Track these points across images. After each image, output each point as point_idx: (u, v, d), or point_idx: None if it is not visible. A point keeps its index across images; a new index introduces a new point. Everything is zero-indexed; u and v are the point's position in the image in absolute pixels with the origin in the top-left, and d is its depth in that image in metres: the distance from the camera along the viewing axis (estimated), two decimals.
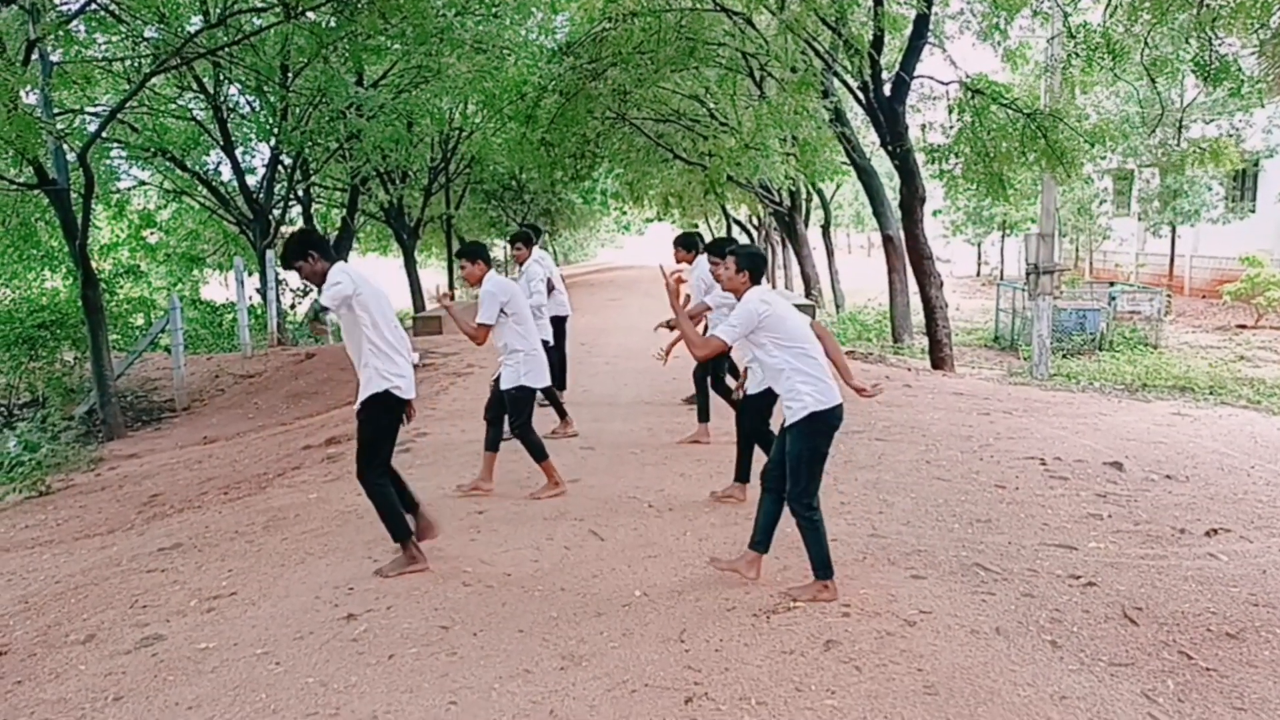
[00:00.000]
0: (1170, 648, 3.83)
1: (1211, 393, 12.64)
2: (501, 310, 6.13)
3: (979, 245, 42.24)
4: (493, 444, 6.30)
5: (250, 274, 19.46)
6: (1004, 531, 5.26)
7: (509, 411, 6.20)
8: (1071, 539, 5.12)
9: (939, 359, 14.20)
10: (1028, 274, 15.58)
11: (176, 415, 13.05)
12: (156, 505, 7.46)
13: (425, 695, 3.52)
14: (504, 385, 6.22)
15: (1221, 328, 22.40)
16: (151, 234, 25.30)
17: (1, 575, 5.63)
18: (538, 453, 6.17)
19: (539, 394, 7.21)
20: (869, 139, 20.50)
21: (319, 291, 4.67)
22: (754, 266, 4.45)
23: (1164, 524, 5.38)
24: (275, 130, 16.86)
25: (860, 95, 14.36)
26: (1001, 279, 31.01)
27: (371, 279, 4.83)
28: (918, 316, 16.54)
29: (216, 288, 27.77)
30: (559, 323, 9.27)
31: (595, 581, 4.63)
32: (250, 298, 18.60)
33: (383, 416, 4.75)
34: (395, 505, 4.79)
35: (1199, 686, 3.53)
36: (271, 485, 7.22)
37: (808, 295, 24.39)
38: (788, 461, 4.29)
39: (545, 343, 7.81)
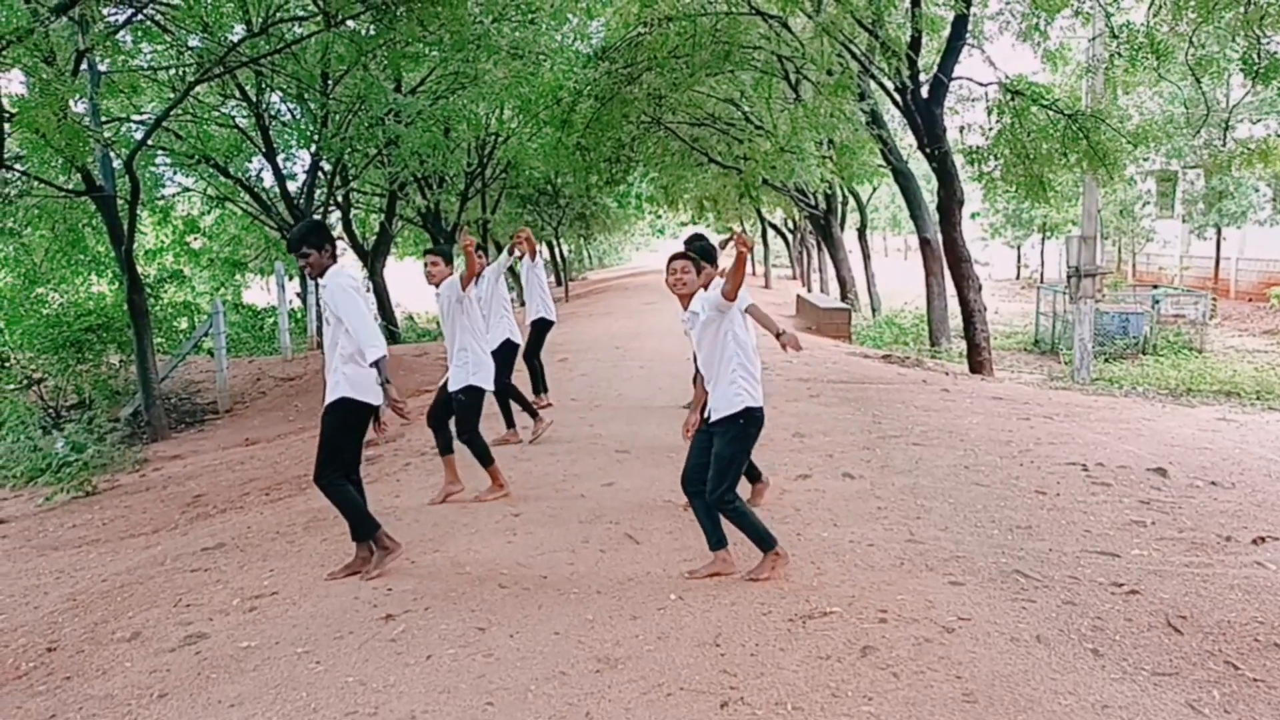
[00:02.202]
0: (1216, 657, 3.75)
1: (1258, 398, 12.38)
2: (462, 307, 6.19)
3: (1018, 248, 41.71)
4: (447, 447, 6.32)
5: (290, 278, 19.74)
6: (1045, 538, 5.19)
7: (456, 414, 6.20)
8: (1114, 546, 5.04)
9: (977, 363, 14.05)
10: (1069, 277, 15.36)
11: (219, 417, 13.26)
12: (200, 506, 7.59)
13: (462, 696, 3.55)
14: (453, 387, 6.20)
15: (1269, 331, 21.90)
16: (195, 239, 25.75)
17: (50, 573, 5.76)
18: (484, 457, 6.23)
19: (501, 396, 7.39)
20: (906, 141, 20.35)
21: (315, 286, 4.86)
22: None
23: (1209, 531, 5.27)
24: (316, 137, 17.07)
25: (897, 97, 14.26)
26: (1041, 282, 30.61)
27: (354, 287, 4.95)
28: (956, 320, 16.37)
29: (258, 292, 28.22)
30: (543, 327, 9.38)
31: (630, 585, 4.64)
32: (290, 302, 18.88)
33: (348, 422, 4.86)
34: (356, 500, 4.91)
35: (1246, 697, 3.46)
36: (311, 487, 7.29)
37: (844, 299, 24.24)
38: (715, 463, 4.51)
39: (510, 342, 7.87)
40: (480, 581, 4.72)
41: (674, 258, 4.75)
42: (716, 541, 4.70)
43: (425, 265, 6.46)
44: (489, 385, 6.34)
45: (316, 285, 5.84)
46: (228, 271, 26.24)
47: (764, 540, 4.60)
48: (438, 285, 6.33)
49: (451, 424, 6.30)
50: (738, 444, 4.51)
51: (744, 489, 6.21)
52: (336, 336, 4.84)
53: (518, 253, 7.79)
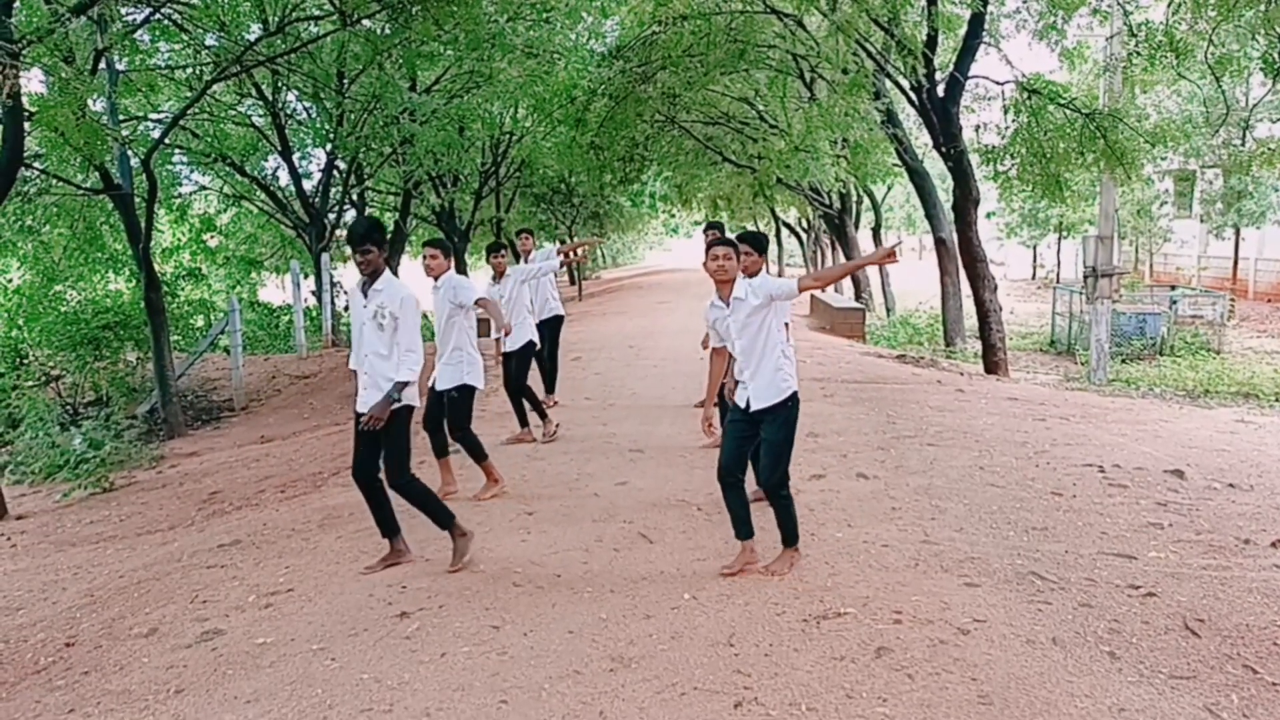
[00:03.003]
0: (1234, 661, 3.72)
1: (1277, 399, 12.28)
2: (460, 307, 6.16)
3: (1034, 248, 41.48)
4: (443, 450, 6.32)
5: (306, 276, 19.84)
6: (1061, 540, 5.16)
7: (450, 412, 6.19)
8: (1131, 548, 5.00)
9: (993, 363, 13.98)
10: (1086, 277, 15.27)
11: (235, 415, 13.34)
12: (216, 503, 7.64)
13: (476, 694, 3.56)
14: (443, 385, 6.18)
15: None
16: (211, 238, 25.92)
17: (68, 569, 5.81)
18: (477, 453, 6.24)
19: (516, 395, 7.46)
20: (921, 140, 20.26)
21: (330, 283, 4.90)
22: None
23: (1227, 534, 5.23)
24: (331, 136, 17.17)
25: (913, 96, 14.21)
26: (1058, 282, 30.44)
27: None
28: (971, 320, 16.31)
29: (273, 290, 28.38)
30: (555, 324, 9.39)
31: (644, 584, 4.64)
32: (306, 300, 18.98)
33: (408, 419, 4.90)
34: (431, 494, 4.95)
35: (1265, 701, 3.43)
36: (326, 484, 7.35)
37: (858, 298, 24.17)
38: (769, 451, 4.59)
39: (531, 344, 7.88)
40: (494, 580, 4.73)
41: (716, 243, 4.68)
42: (747, 532, 4.73)
43: (424, 258, 6.29)
44: (481, 384, 6.35)
45: (333, 281, 5.86)
46: (244, 269, 26.41)
47: (791, 536, 4.72)
48: (436, 279, 6.20)
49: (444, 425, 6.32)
50: (789, 428, 4.59)
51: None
52: (377, 345, 4.80)
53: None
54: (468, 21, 10.96)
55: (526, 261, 8.53)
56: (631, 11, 15.59)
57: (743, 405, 4.62)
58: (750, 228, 36.96)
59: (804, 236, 38.08)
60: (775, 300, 4.55)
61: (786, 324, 4.96)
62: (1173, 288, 25.04)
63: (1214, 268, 29.91)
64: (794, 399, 4.59)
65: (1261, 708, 3.39)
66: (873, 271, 26.46)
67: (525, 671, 3.73)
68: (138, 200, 12.28)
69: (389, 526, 5.05)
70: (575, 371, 11.69)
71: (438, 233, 27.82)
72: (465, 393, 6.20)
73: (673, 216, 40.44)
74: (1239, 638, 3.91)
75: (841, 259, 29.00)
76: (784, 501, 4.66)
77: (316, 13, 12.37)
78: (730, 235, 6.33)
